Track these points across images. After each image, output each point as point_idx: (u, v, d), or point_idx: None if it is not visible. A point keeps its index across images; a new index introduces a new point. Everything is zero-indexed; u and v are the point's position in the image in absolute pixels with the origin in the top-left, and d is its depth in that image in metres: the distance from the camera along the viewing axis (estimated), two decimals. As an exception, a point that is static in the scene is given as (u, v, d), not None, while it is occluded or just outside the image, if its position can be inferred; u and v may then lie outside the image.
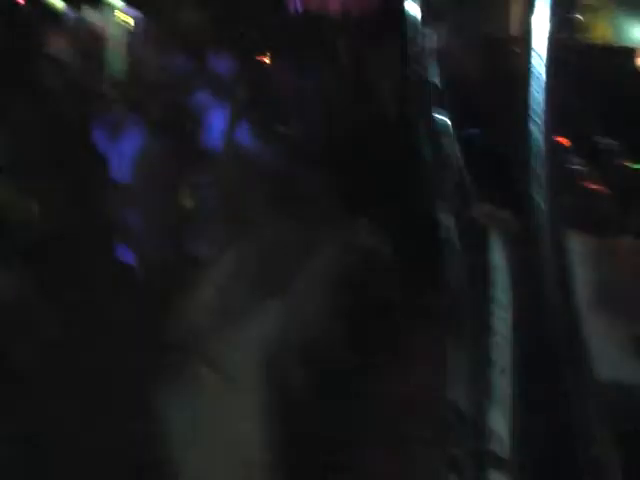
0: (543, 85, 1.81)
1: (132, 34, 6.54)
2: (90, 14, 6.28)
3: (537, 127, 1.84)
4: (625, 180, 2.89)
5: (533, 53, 1.80)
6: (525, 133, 1.85)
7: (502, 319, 2.18)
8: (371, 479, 2.66)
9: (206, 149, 3.88)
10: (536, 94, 1.83)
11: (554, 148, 1.90)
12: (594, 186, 2.85)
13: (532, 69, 1.82)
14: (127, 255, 3.79)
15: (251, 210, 3.19)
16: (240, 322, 2.75)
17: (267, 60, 6.37)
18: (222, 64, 5.56)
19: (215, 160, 3.85)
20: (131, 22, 6.94)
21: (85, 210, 4.04)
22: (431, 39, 2.68)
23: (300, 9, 5.63)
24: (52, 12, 6.24)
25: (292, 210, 3.34)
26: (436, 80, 2.76)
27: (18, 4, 6.44)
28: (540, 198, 1.83)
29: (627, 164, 2.98)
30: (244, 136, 3.77)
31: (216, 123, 4.25)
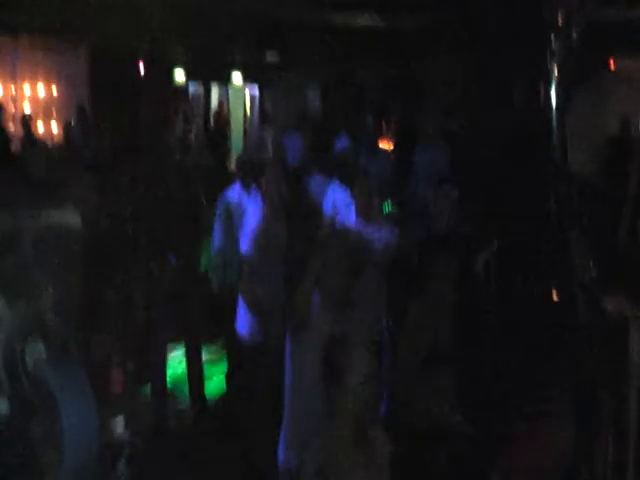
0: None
1: (251, 111, 6.67)
2: (212, 89, 6.44)
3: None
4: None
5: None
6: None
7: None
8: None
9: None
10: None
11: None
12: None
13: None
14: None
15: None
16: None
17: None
18: (341, 144, 5.63)
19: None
20: (249, 99, 7.09)
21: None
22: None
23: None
24: (175, 86, 6.44)
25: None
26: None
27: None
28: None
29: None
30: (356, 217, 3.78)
31: (329, 205, 4.31)
